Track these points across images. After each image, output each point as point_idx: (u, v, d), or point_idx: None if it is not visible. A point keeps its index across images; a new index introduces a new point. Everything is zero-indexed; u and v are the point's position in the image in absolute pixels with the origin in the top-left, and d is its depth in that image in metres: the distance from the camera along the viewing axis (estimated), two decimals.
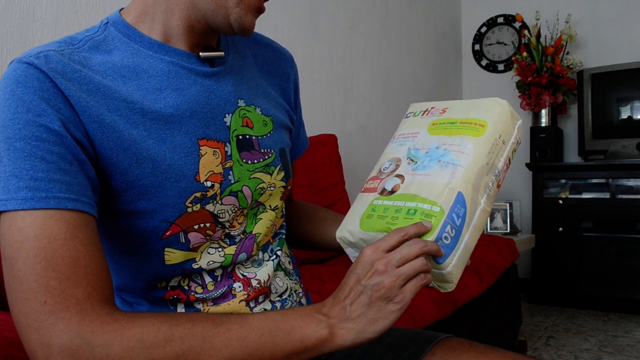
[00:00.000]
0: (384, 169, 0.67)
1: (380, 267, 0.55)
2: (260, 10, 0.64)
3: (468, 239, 0.60)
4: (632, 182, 2.76)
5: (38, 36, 1.31)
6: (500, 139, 0.63)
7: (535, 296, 2.99)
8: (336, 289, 0.58)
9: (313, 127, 2.18)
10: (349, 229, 0.65)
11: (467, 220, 0.59)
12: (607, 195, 2.82)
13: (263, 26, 1.70)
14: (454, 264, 0.58)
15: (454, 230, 0.58)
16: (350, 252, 0.68)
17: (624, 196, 2.77)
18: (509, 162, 0.65)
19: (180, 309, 0.65)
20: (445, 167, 0.61)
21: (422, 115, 0.70)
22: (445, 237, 0.57)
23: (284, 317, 0.55)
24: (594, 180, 2.85)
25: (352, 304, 0.55)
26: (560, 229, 2.89)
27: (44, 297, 0.48)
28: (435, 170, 0.61)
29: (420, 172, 0.62)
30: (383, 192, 0.64)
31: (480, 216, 0.61)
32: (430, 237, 0.57)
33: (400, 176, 0.64)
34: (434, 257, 0.57)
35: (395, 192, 0.63)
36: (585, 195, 2.88)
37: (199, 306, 0.65)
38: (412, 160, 0.64)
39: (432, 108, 0.70)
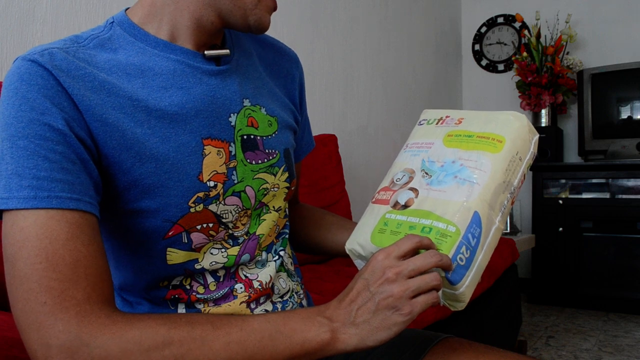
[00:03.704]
0: (396, 180, 0.65)
1: (391, 276, 0.53)
2: (275, 8, 0.64)
3: (481, 259, 0.58)
4: (632, 182, 2.76)
5: (38, 36, 1.31)
6: (517, 155, 0.62)
7: (535, 296, 2.99)
8: (342, 292, 0.57)
9: (313, 127, 2.17)
10: (359, 242, 0.64)
11: (481, 241, 0.58)
12: (607, 195, 2.82)
13: None
14: (467, 285, 0.57)
15: (468, 251, 0.56)
16: (359, 264, 0.66)
17: (624, 196, 2.77)
18: (524, 178, 0.63)
19: (181, 309, 0.65)
20: (461, 184, 0.59)
21: (437, 123, 0.68)
22: (460, 259, 0.56)
23: (285, 319, 0.55)
24: (594, 180, 2.85)
25: (358, 309, 0.54)
26: (560, 229, 2.89)
27: (44, 298, 0.48)
28: (451, 186, 0.59)
29: (435, 187, 0.60)
30: (396, 205, 0.62)
31: (494, 235, 0.59)
32: None
33: (414, 189, 0.62)
34: (448, 277, 0.56)
35: (408, 206, 0.61)
36: (585, 195, 2.88)
37: (200, 306, 0.65)
38: (426, 173, 0.63)
39: (447, 117, 0.68)
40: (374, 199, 0.66)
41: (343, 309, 0.55)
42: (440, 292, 0.55)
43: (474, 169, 0.60)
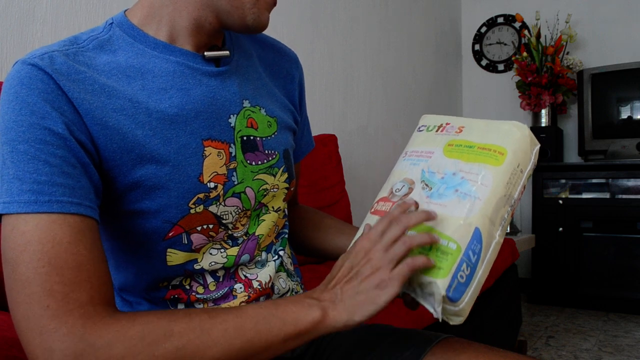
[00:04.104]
0: (396, 191, 0.64)
1: (371, 255, 0.56)
2: (274, 4, 0.65)
3: (481, 275, 0.57)
4: (632, 182, 2.76)
5: (38, 36, 1.31)
6: (519, 168, 0.60)
7: (535, 296, 2.99)
8: (326, 278, 0.59)
9: (313, 127, 2.16)
10: None
11: (482, 256, 0.57)
12: (607, 195, 2.82)
13: None
14: (467, 301, 0.57)
15: (469, 268, 0.56)
16: None
17: (624, 196, 2.77)
18: (524, 189, 0.62)
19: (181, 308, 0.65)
20: (462, 198, 0.58)
21: (437, 131, 0.67)
22: (461, 276, 0.55)
23: (276, 304, 0.56)
24: (594, 180, 2.85)
25: (342, 288, 0.56)
26: (560, 229, 2.89)
27: (47, 302, 0.48)
28: (452, 200, 0.58)
29: (435, 200, 0.59)
30: None
31: (494, 249, 0.59)
32: (446, 277, 0.55)
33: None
34: (449, 295, 0.55)
35: None
36: (585, 195, 2.88)
37: (200, 307, 0.65)
38: (426, 184, 0.61)
39: (447, 124, 0.67)
40: (372, 209, 0.65)
41: (330, 291, 0.57)
42: (439, 305, 0.56)
43: (475, 183, 0.59)
